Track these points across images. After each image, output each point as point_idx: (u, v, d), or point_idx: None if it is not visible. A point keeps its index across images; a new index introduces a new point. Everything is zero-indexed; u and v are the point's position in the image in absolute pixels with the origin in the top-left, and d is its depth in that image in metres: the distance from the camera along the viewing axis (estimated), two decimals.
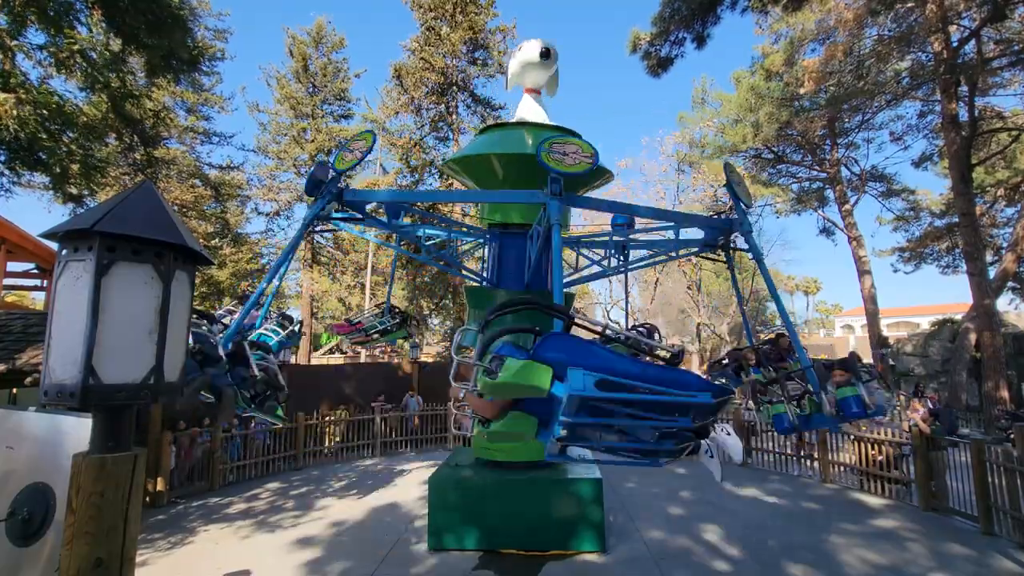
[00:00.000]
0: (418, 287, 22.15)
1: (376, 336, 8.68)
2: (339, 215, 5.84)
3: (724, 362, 6.12)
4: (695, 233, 6.49)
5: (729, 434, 3.62)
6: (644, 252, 7.92)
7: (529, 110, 7.18)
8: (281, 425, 5.22)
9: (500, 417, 3.29)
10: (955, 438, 7.91)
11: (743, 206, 5.33)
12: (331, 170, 5.46)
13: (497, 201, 6.22)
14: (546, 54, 6.72)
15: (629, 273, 9.10)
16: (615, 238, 7.09)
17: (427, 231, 7.61)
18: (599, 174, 7.07)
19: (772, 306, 45.60)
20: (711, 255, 6.33)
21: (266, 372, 4.74)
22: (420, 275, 21.66)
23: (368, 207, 6.23)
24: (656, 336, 7.75)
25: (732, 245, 5.85)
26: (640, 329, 6.94)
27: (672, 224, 6.50)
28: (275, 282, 5.97)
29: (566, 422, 2.78)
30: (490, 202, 7.10)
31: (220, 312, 5.31)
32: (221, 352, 4.18)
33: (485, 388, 2.94)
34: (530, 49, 6.88)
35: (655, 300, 34.37)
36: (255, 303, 5.34)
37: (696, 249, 6.33)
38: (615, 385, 2.73)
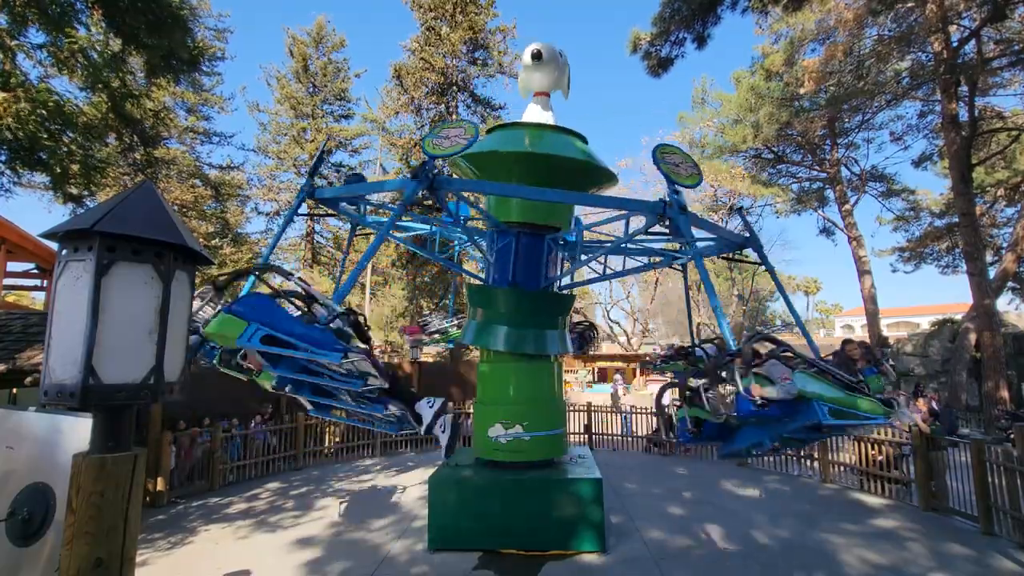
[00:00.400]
0: (418, 287, 22.16)
1: (437, 337, 9.03)
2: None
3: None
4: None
5: (431, 405, 4.16)
6: (643, 259, 8.06)
7: (531, 113, 7.23)
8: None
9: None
10: (955, 438, 7.91)
11: (676, 187, 5.00)
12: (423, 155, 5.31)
13: (611, 207, 5.87)
14: (537, 55, 6.78)
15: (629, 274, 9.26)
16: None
17: (436, 232, 7.87)
18: (606, 177, 7.09)
19: (772, 306, 45.55)
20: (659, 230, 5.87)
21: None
22: (420, 275, 21.67)
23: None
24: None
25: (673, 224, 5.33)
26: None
27: (620, 215, 6.28)
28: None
29: (277, 375, 3.65)
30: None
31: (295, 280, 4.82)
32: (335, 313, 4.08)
33: (206, 332, 3.55)
34: (525, 54, 6.98)
35: (655, 300, 34.36)
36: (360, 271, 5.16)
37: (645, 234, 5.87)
38: (278, 341, 3.27)
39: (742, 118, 22.21)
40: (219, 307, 3.78)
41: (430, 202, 5.56)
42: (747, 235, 6.07)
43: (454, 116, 21.11)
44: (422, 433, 3.91)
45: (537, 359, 6.71)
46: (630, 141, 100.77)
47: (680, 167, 5.19)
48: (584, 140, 7.10)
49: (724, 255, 6.84)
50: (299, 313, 3.90)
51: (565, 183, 6.59)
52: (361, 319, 3.85)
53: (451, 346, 10.17)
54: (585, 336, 8.87)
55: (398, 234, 8.45)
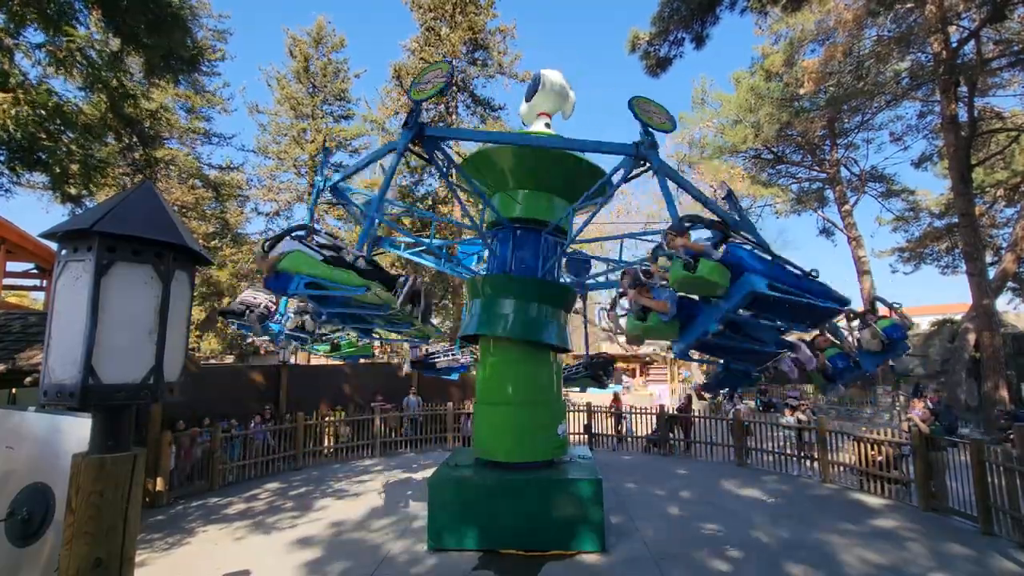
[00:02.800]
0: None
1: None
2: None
3: None
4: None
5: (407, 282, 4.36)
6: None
7: (538, 126, 7.49)
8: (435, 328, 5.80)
9: (663, 314, 3.88)
10: (954, 438, 7.91)
11: (649, 129, 5.24)
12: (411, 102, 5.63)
13: (581, 150, 6.19)
14: (537, 80, 7.32)
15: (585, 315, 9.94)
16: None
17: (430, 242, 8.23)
18: (594, 177, 7.14)
19: None
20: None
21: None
22: (420, 275, 21.69)
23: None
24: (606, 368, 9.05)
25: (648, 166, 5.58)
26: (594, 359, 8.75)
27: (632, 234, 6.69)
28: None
29: (727, 317, 3.50)
30: (507, 193, 7.17)
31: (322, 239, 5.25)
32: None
33: (679, 279, 3.52)
34: (557, 76, 7.44)
35: None
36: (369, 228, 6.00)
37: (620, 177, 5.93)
38: (779, 289, 3.44)
39: (742, 118, 22.23)
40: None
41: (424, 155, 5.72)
42: (737, 218, 5.77)
43: (453, 116, 21.12)
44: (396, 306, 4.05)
45: (536, 356, 6.70)
46: (629, 140, 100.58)
47: (653, 115, 5.46)
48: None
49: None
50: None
51: (562, 182, 6.71)
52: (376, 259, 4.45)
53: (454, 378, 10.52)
54: (602, 370, 8.77)
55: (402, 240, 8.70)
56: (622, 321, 4.57)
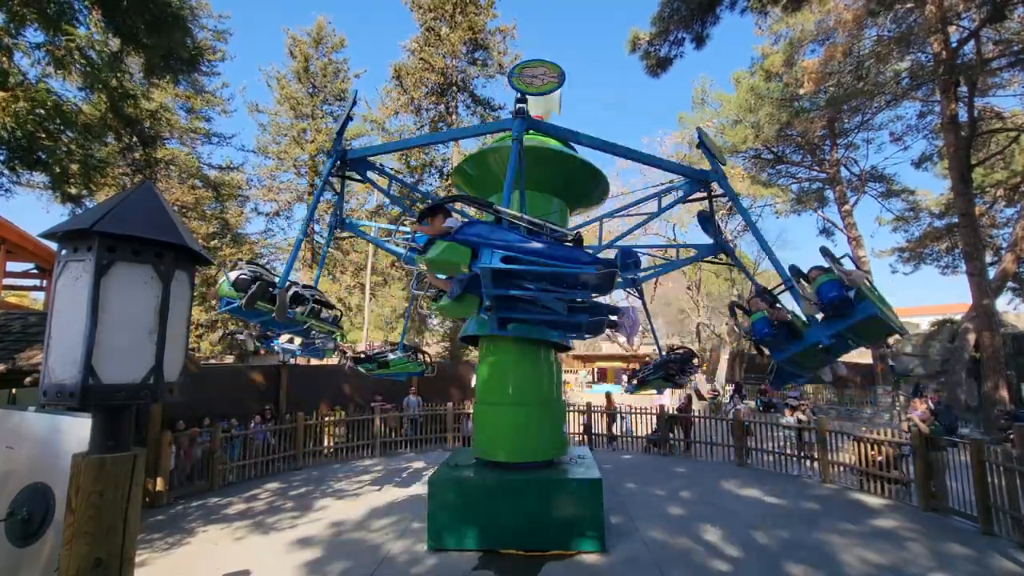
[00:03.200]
0: (418, 287, 22.15)
1: (381, 368, 8.56)
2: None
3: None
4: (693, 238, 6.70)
5: (633, 314, 4.86)
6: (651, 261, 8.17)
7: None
8: (337, 339, 6.30)
9: (449, 292, 4.03)
10: (954, 438, 7.91)
11: (718, 163, 5.72)
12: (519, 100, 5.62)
13: (666, 168, 6.44)
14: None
15: (647, 311, 9.62)
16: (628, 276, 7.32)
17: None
18: (597, 182, 7.13)
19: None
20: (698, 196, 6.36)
21: (317, 297, 6.09)
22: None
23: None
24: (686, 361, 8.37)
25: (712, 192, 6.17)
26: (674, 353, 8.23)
27: (655, 192, 6.76)
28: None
29: (489, 294, 3.47)
30: (499, 192, 7.20)
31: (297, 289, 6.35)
32: (274, 278, 5.58)
33: (420, 261, 3.69)
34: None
35: (655, 300, 34.36)
36: (295, 256, 6.45)
37: (678, 196, 6.48)
38: (518, 260, 3.37)
39: (742, 118, 22.23)
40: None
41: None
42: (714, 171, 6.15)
43: (453, 116, 21.12)
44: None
45: (536, 355, 6.70)
46: (629, 142, 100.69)
47: (713, 148, 5.86)
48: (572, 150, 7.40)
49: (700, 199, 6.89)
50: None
51: (562, 184, 6.74)
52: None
53: (401, 379, 9.59)
54: (679, 367, 8.22)
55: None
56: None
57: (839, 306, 4.43)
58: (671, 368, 8.10)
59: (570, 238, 3.66)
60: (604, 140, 5.87)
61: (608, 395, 14.10)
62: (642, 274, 7.72)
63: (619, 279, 4.09)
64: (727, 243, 6.12)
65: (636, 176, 44.03)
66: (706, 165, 6.30)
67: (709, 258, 6.90)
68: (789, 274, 5.02)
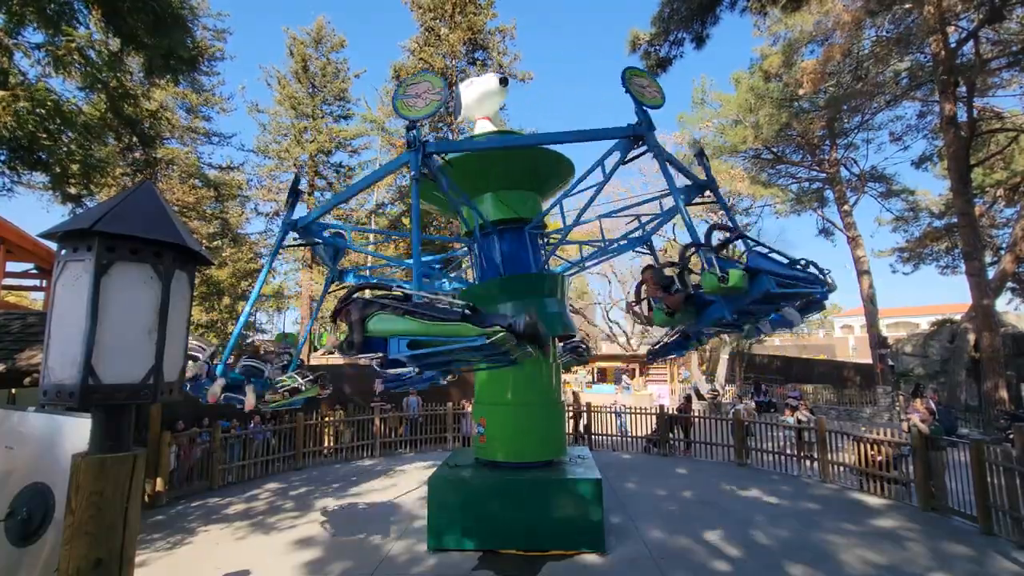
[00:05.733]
0: None
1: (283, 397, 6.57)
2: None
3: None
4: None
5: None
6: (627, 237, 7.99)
7: (483, 127, 7.42)
8: (305, 396, 6.03)
9: (680, 310, 4.63)
10: (954, 438, 7.91)
11: (645, 108, 5.28)
12: (407, 120, 5.27)
13: (584, 139, 5.76)
14: (505, 82, 7.27)
15: (628, 272, 9.38)
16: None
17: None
18: (560, 164, 7.08)
19: None
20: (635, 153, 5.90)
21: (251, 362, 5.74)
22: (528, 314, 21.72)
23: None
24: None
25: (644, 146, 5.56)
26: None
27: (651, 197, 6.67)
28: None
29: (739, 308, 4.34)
30: (480, 198, 7.11)
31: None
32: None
33: (713, 287, 4.07)
34: (489, 80, 7.33)
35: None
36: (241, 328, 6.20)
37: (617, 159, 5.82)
38: (423, 343, 3.84)
39: (742, 119, 22.25)
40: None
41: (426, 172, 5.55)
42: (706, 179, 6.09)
43: (453, 117, 21.13)
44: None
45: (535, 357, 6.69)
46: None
47: (646, 89, 5.40)
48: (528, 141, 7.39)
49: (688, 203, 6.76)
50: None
51: (531, 177, 6.90)
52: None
53: (296, 406, 6.88)
54: (579, 350, 8.65)
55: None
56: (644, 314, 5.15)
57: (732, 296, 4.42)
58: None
59: (800, 262, 4.26)
60: (508, 137, 5.81)
61: (575, 393, 14.11)
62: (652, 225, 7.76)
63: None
64: (712, 181, 5.89)
65: (636, 176, 44.04)
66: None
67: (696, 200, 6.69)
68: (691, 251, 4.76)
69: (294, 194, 6.35)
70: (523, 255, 6.99)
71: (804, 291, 4.30)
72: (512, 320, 3.91)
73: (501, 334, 3.67)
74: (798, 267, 4.50)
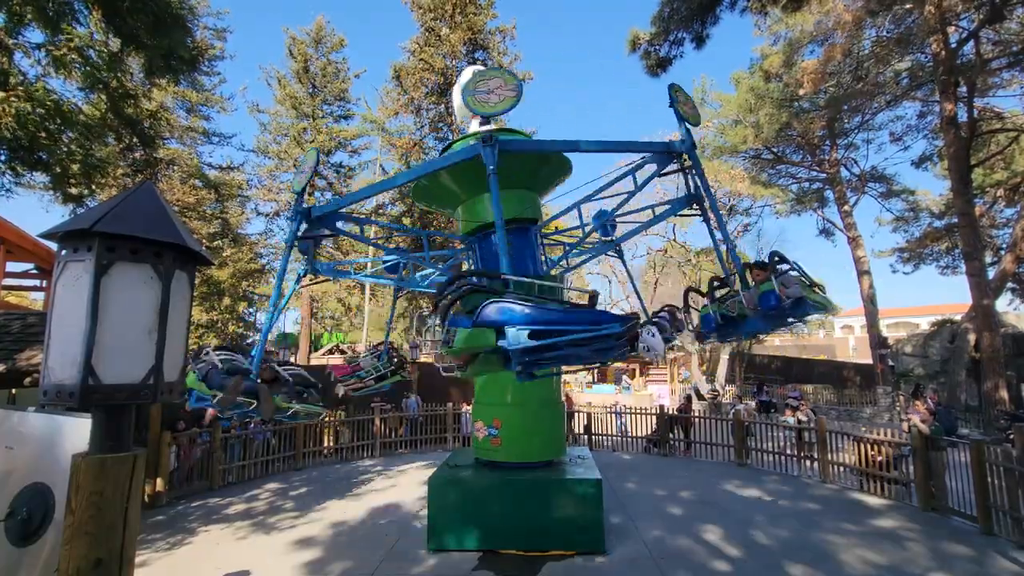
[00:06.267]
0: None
1: (372, 383, 7.86)
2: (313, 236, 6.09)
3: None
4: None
5: (653, 335, 5.29)
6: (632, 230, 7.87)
7: (477, 125, 7.29)
8: (323, 413, 5.82)
9: (471, 363, 4.19)
10: (954, 439, 7.91)
11: (687, 126, 5.37)
12: (295, 193, 5.62)
13: (628, 151, 6.00)
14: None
15: (626, 273, 9.24)
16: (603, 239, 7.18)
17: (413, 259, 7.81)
18: (562, 165, 7.07)
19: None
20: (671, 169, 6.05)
21: (297, 376, 5.48)
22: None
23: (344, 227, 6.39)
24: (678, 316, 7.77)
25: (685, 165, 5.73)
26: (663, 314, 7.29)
27: (629, 168, 6.22)
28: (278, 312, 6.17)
29: (521, 361, 3.62)
30: (474, 199, 7.03)
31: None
32: (249, 367, 4.98)
33: (449, 354, 3.92)
34: (467, 76, 7.20)
35: (655, 301, 34.37)
36: (268, 333, 5.94)
37: (648, 175, 5.97)
38: (543, 332, 3.43)
39: (742, 119, 22.25)
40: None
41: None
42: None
43: (453, 117, 21.12)
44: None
45: None
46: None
47: (686, 107, 5.45)
48: (526, 137, 7.25)
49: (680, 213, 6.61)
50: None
51: (525, 176, 6.74)
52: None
53: (384, 390, 8.45)
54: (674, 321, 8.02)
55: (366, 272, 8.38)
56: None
57: (775, 314, 4.80)
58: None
59: (588, 297, 3.77)
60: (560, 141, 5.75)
61: (567, 395, 14.14)
62: (617, 233, 7.74)
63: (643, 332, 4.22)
64: (700, 192, 5.70)
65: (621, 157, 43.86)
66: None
67: (685, 211, 6.65)
68: (742, 269, 5.06)
69: (310, 175, 6.17)
70: (525, 257, 6.93)
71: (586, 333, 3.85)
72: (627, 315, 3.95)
73: (635, 323, 3.58)
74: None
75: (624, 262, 7.92)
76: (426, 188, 7.10)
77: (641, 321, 3.72)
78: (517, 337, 3.38)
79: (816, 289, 4.91)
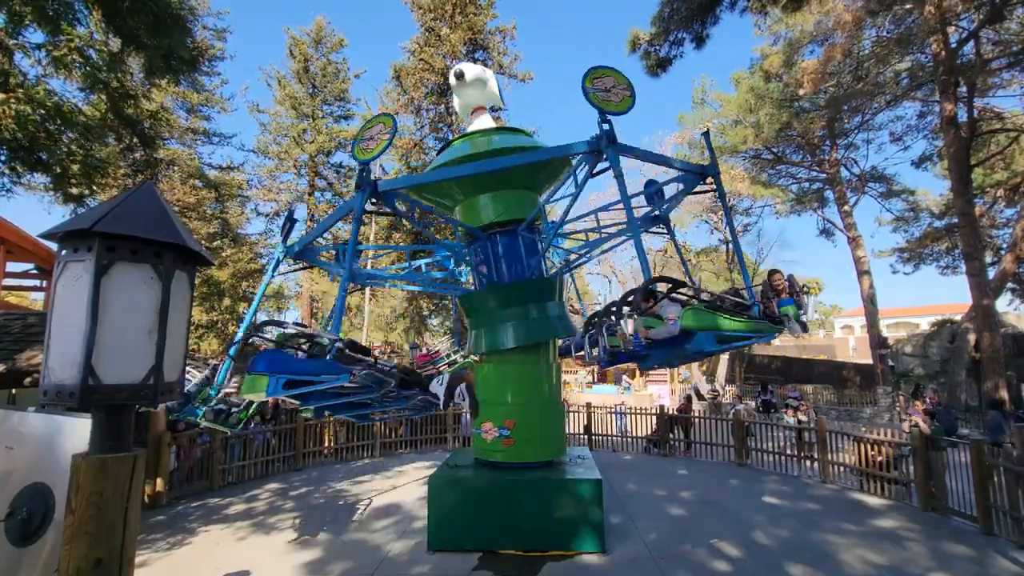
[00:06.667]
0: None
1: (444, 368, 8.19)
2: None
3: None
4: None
5: (441, 384, 5.49)
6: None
7: (478, 123, 7.36)
8: (230, 431, 6.14)
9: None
10: (954, 439, 7.91)
11: (607, 117, 5.10)
12: (357, 162, 5.40)
13: (542, 157, 5.81)
14: (460, 75, 7.20)
15: (628, 273, 9.26)
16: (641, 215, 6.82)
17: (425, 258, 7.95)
18: (561, 164, 7.09)
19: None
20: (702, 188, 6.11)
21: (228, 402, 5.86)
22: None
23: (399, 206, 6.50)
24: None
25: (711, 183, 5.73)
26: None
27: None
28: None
29: (312, 407, 4.24)
30: (472, 200, 7.01)
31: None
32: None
33: (242, 394, 4.11)
34: (450, 75, 7.41)
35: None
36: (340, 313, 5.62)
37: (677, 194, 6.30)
38: (297, 382, 3.81)
39: (742, 119, 22.25)
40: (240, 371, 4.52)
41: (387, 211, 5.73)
42: (706, 165, 5.71)
43: (453, 117, 21.13)
44: (442, 409, 4.65)
45: (535, 356, 6.69)
46: (630, 141, 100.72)
47: (612, 92, 5.03)
48: (528, 135, 7.19)
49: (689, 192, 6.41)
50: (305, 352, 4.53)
51: (524, 176, 6.68)
52: (354, 340, 4.59)
53: (463, 371, 9.19)
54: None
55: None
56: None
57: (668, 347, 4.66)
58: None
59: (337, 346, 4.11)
60: (456, 168, 5.86)
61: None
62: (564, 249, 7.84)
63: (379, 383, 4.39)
64: (665, 212, 5.88)
65: (636, 176, 43.97)
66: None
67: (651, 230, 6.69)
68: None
69: (289, 222, 6.52)
70: (523, 257, 6.90)
71: (754, 339, 4.18)
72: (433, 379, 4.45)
73: (781, 326, 3.76)
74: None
75: (673, 236, 7.38)
76: (429, 185, 7.08)
77: (779, 326, 3.87)
78: (275, 386, 3.74)
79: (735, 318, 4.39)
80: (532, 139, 7.03)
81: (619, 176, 4.82)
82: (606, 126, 4.90)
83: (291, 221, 6.53)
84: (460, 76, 7.16)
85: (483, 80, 7.37)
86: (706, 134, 5.95)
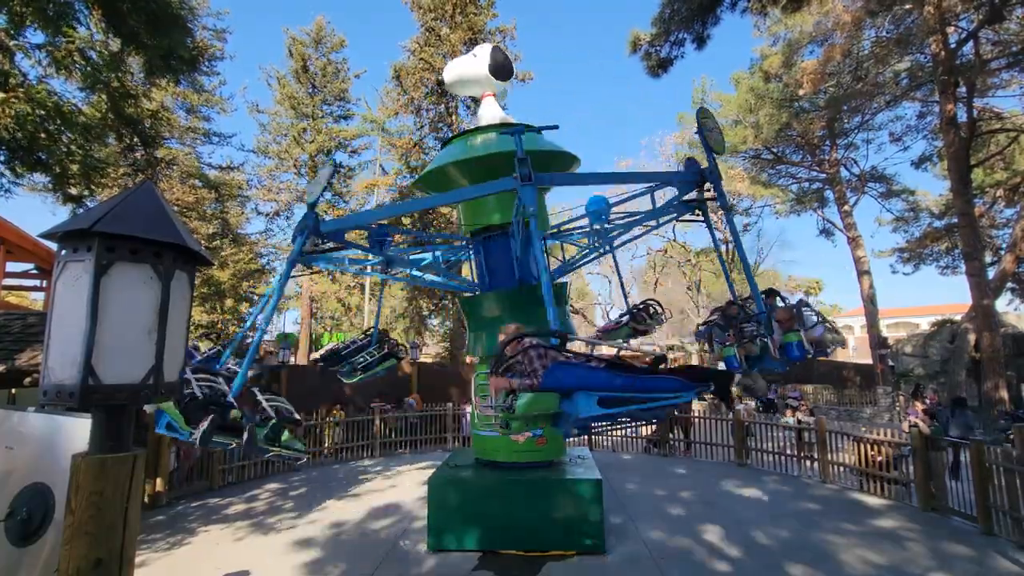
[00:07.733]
0: (417, 287, 22.14)
1: (360, 372, 7.82)
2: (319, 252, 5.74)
3: (711, 319, 6.10)
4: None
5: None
6: (631, 230, 7.74)
7: (490, 110, 7.24)
8: (304, 457, 5.31)
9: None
10: (957, 439, 7.91)
11: (714, 155, 5.27)
12: (307, 207, 5.34)
13: (645, 181, 5.87)
14: (505, 73, 7.17)
15: (628, 273, 9.26)
16: (594, 227, 6.86)
17: (409, 255, 7.49)
18: (569, 161, 7.04)
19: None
20: (689, 218, 5.97)
21: (277, 410, 4.85)
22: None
23: (348, 235, 6.07)
24: (653, 311, 8.00)
25: (706, 197, 5.55)
26: (639, 306, 7.84)
27: (647, 188, 6.10)
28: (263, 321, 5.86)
29: (578, 425, 3.50)
30: (464, 202, 6.92)
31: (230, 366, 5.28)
32: (231, 399, 4.34)
33: (509, 421, 3.40)
34: (478, 68, 7.14)
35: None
36: (254, 355, 5.13)
37: (673, 214, 5.97)
38: (613, 400, 3.21)
39: (742, 119, 22.26)
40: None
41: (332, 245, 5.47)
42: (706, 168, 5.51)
43: (453, 117, 21.13)
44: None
45: None
46: (630, 142, 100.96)
47: (712, 133, 5.36)
48: (538, 131, 7.08)
49: (682, 219, 6.35)
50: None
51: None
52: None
53: (379, 376, 8.48)
54: (641, 315, 7.85)
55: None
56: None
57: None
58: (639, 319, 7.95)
59: (654, 359, 3.57)
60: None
61: None
62: (614, 221, 7.27)
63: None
64: (712, 172, 5.31)
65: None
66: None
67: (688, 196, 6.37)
68: (764, 306, 4.96)
69: (305, 219, 5.51)
70: (522, 262, 6.72)
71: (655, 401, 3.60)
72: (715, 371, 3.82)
73: (708, 389, 3.47)
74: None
75: (616, 264, 7.78)
76: (434, 180, 7.07)
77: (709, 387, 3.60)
78: (587, 404, 3.09)
79: (828, 323, 4.97)
80: (537, 138, 6.83)
81: (727, 209, 5.26)
82: (714, 161, 5.21)
83: (334, 168, 5.79)
84: (507, 75, 7.14)
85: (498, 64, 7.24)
86: (700, 131, 5.43)
